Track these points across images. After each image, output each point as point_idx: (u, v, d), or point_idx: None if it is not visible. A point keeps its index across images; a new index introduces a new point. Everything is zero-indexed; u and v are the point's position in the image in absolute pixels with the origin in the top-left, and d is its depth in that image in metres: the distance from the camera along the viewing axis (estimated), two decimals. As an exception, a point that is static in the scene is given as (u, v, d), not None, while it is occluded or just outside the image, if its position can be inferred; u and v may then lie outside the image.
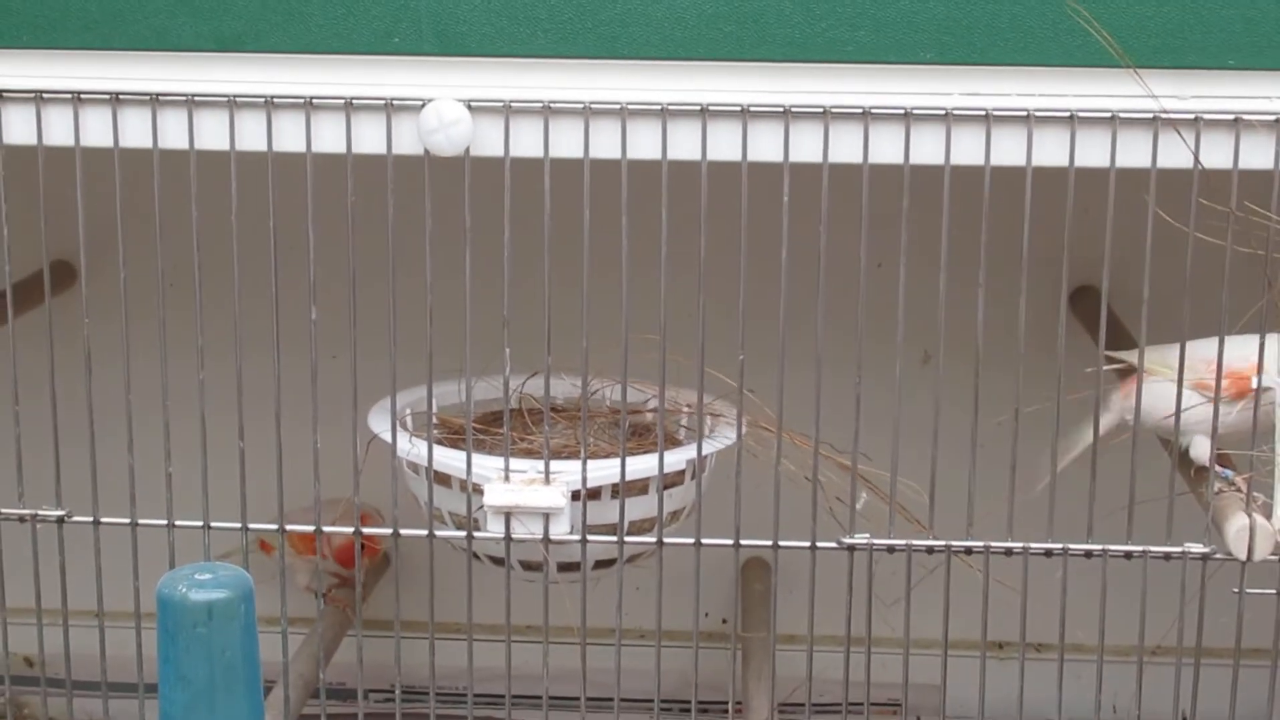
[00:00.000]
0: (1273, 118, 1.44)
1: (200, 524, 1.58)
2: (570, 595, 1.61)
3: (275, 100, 1.47)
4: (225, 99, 1.47)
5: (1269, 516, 1.50)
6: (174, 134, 1.49)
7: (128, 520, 1.58)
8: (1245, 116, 1.44)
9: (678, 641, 1.63)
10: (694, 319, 1.49)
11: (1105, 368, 1.59)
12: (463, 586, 1.57)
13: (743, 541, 1.55)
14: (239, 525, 1.57)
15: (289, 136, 1.48)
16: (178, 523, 1.57)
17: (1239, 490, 1.54)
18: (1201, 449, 1.59)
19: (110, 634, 1.60)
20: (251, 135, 1.48)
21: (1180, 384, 1.53)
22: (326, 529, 1.58)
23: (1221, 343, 1.50)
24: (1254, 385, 1.53)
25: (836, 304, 1.49)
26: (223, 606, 1.27)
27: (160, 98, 1.48)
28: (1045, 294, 1.54)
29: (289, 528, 1.59)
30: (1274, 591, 1.51)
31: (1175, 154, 1.45)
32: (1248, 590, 1.51)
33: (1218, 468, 1.56)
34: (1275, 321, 1.48)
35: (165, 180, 1.49)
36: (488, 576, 1.63)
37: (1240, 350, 1.53)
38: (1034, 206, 1.46)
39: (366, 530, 1.59)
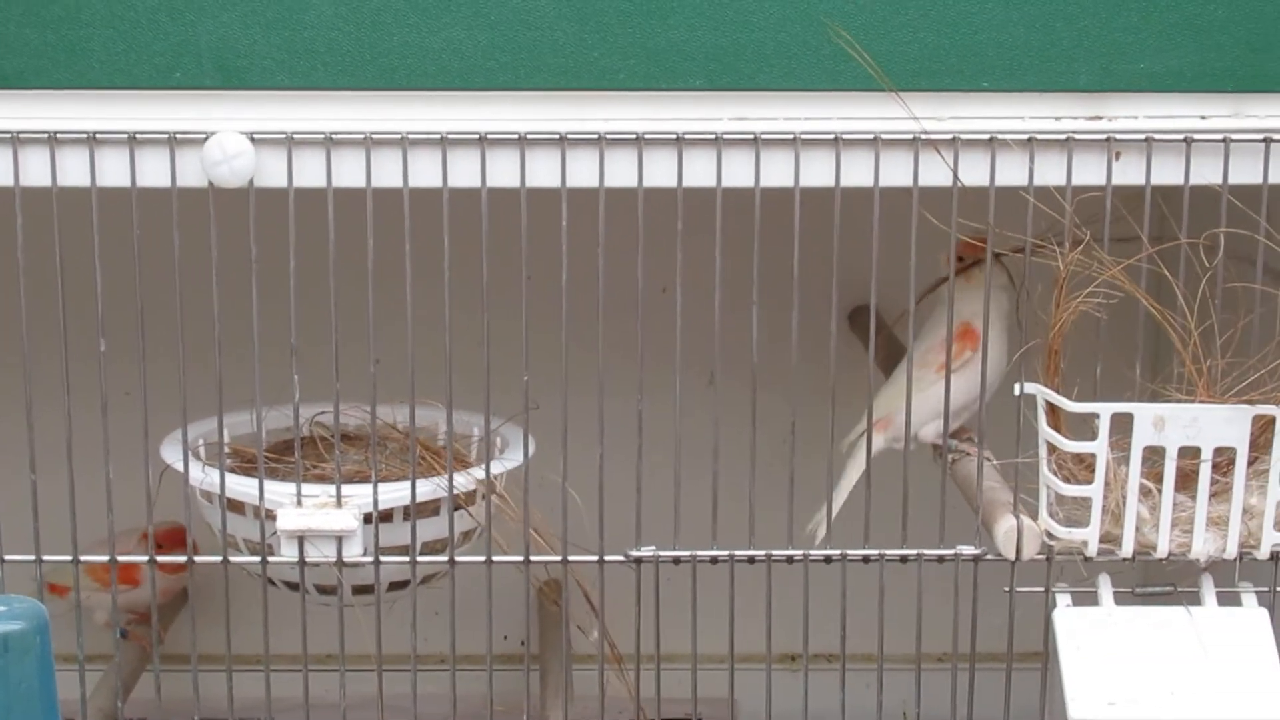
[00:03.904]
0: (1025, 137, 1.50)
1: (-7, 558, 1.58)
2: (367, 621, 1.63)
3: (59, 136, 1.48)
4: (8, 135, 1.48)
5: (1036, 518, 1.56)
6: (-42, 171, 1.49)
7: (-80, 555, 1.58)
8: (1000, 136, 1.50)
9: (475, 665, 1.65)
10: (480, 342, 1.52)
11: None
12: (260, 617, 1.59)
13: (532, 557, 1.59)
14: (33, 558, 1.58)
15: (73, 172, 1.49)
16: (-29, 557, 1.58)
17: (972, 452, 1.61)
18: (929, 431, 1.68)
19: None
20: (35, 171, 1.49)
21: (909, 391, 1.60)
22: (122, 559, 1.59)
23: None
24: (979, 330, 1.60)
25: (622, 327, 1.53)
26: (18, 638, 1.26)
27: (-57, 135, 1.49)
28: (825, 313, 1.58)
29: (83, 559, 1.60)
30: (1042, 590, 1.57)
31: (936, 173, 1.51)
32: (1017, 589, 1.57)
33: (951, 441, 1.65)
34: (1032, 330, 1.54)
35: (-50, 217, 1.50)
36: (285, 606, 1.65)
37: (964, 308, 1.63)
38: (810, 228, 1.51)
39: (161, 559, 1.60)
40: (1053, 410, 1.53)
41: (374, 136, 1.49)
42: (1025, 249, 1.53)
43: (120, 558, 1.59)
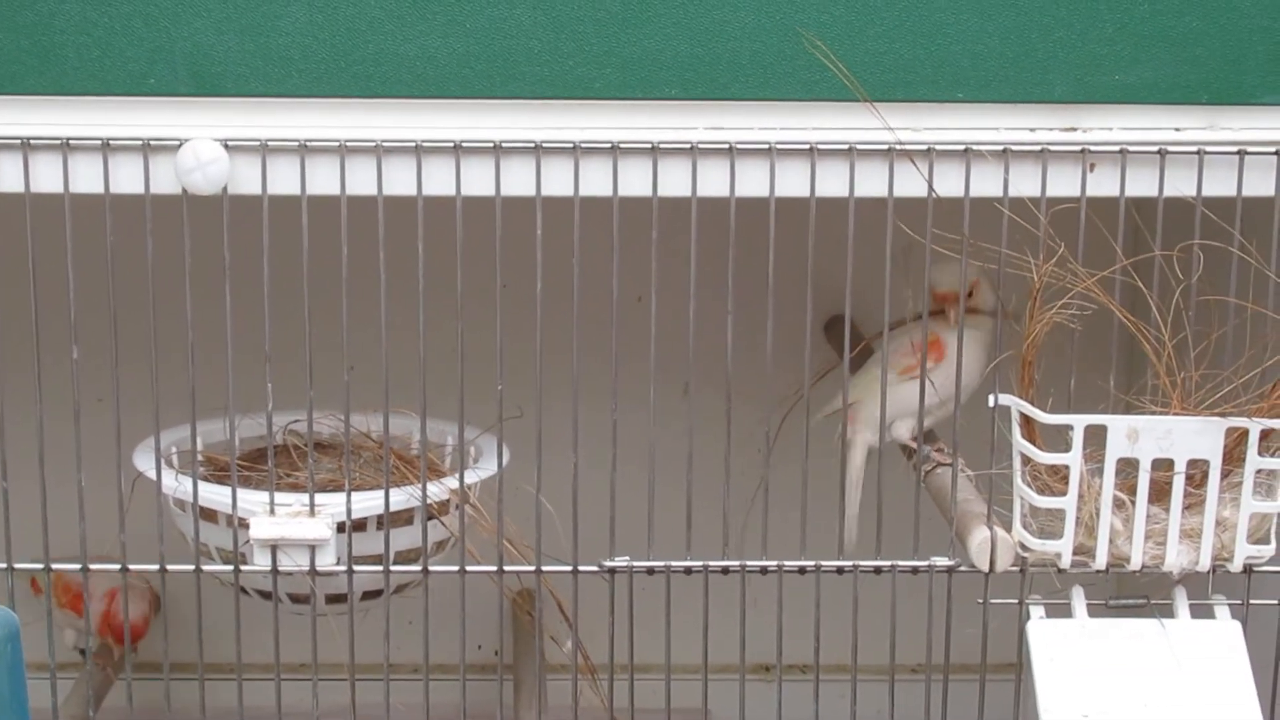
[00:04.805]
0: (1000, 148, 1.50)
1: (-35, 565, 1.58)
2: (340, 630, 1.63)
3: (32, 142, 1.47)
4: (-19, 141, 1.48)
5: (1010, 529, 1.56)
6: (-71, 177, 1.49)
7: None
8: (974, 146, 1.50)
9: (448, 674, 1.65)
10: (454, 351, 1.52)
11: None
12: (233, 626, 1.59)
13: (506, 567, 1.59)
14: (4, 565, 1.57)
15: (46, 178, 1.48)
16: (-58, 564, 1.57)
17: (946, 463, 1.61)
18: (901, 429, 1.70)
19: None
20: (8, 178, 1.48)
21: (884, 388, 1.60)
22: (94, 566, 1.59)
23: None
24: (946, 345, 1.61)
25: (597, 336, 1.53)
26: (-12, 646, 1.27)
27: (-85, 141, 1.49)
28: (800, 323, 1.58)
29: (55, 567, 1.59)
30: (1016, 601, 1.57)
31: (910, 183, 1.51)
32: (991, 601, 1.57)
33: (925, 447, 1.66)
34: (1008, 341, 1.54)
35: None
36: (257, 615, 1.65)
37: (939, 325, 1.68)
38: (785, 238, 1.51)
39: (134, 566, 1.60)
40: (1027, 422, 1.53)
41: (348, 144, 1.49)
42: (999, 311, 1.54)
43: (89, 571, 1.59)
